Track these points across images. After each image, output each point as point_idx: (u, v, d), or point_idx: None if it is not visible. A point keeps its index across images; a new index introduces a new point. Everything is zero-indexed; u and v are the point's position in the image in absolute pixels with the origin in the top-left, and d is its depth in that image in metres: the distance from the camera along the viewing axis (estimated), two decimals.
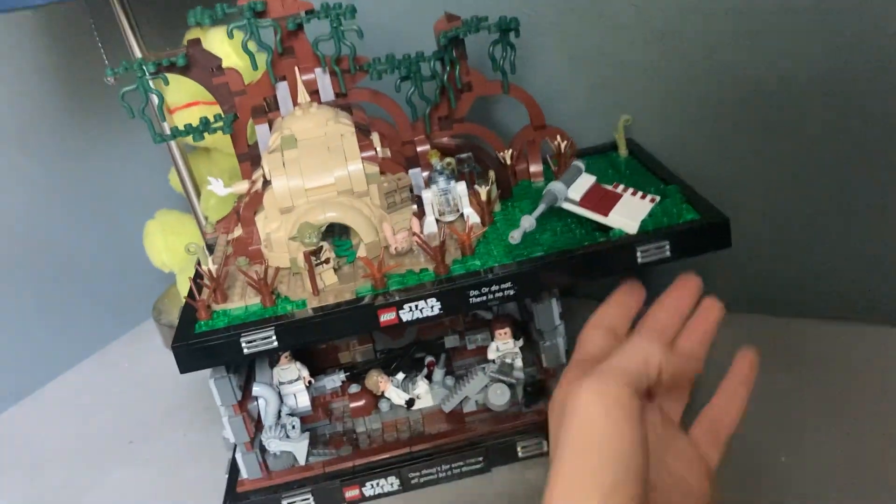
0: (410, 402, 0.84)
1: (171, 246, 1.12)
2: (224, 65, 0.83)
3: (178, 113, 1.03)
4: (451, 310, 0.72)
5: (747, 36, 0.84)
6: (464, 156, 0.84)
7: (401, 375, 0.86)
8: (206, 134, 0.84)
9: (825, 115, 0.83)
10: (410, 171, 0.85)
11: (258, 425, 0.81)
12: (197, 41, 0.82)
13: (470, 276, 0.72)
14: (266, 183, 0.78)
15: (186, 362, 0.71)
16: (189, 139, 0.85)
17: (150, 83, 0.81)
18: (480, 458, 0.79)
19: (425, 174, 0.84)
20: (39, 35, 1.13)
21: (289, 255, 0.76)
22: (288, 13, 0.81)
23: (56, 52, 1.15)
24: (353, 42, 0.81)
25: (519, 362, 0.81)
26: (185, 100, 1.02)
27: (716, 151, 0.91)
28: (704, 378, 0.54)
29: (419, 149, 0.86)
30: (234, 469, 0.82)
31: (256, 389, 0.80)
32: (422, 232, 0.79)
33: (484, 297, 0.72)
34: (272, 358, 0.83)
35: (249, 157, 0.85)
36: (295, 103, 0.83)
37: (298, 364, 0.83)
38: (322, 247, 0.74)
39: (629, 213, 0.74)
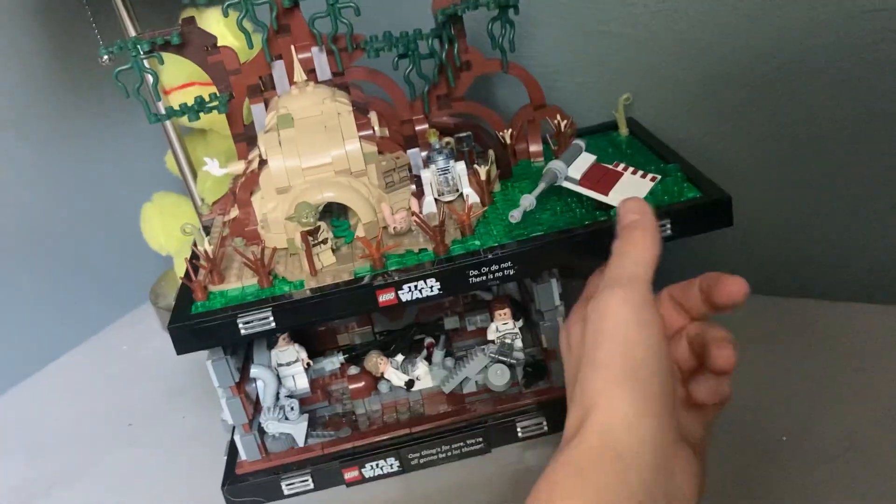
0: (410, 384, 0.84)
1: (169, 229, 1.12)
2: (219, 44, 0.82)
3: (174, 94, 1.01)
4: (450, 290, 0.72)
5: (750, 13, 0.83)
6: (463, 135, 0.83)
7: (400, 357, 0.85)
8: (201, 114, 0.83)
9: (830, 92, 0.82)
10: (409, 151, 0.84)
11: (257, 407, 0.81)
12: (191, 19, 0.81)
13: (469, 255, 0.72)
14: (262, 163, 0.77)
15: (183, 343, 0.71)
16: (185, 120, 0.84)
17: (145, 63, 0.80)
18: (480, 439, 0.79)
19: (424, 154, 0.84)
20: (33, 14, 1.11)
21: (286, 236, 0.76)
22: None
23: (50, 31, 1.13)
24: (349, 20, 0.80)
25: (519, 343, 0.81)
26: (181, 80, 1.00)
27: (717, 130, 0.90)
28: None
29: (418, 128, 0.85)
30: (232, 451, 0.81)
31: (254, 371, 0.80)
32: (421, 212, 0.78)
33: (483, 277, 0.71)
34: (270, 340, 0.83)
35: (245, 137, 0.84)
36: (291, 82, 0.82)
37: (297, 346, 0.82)
38: (319, 227, 0.73)
39: (630, 191, 0.73)
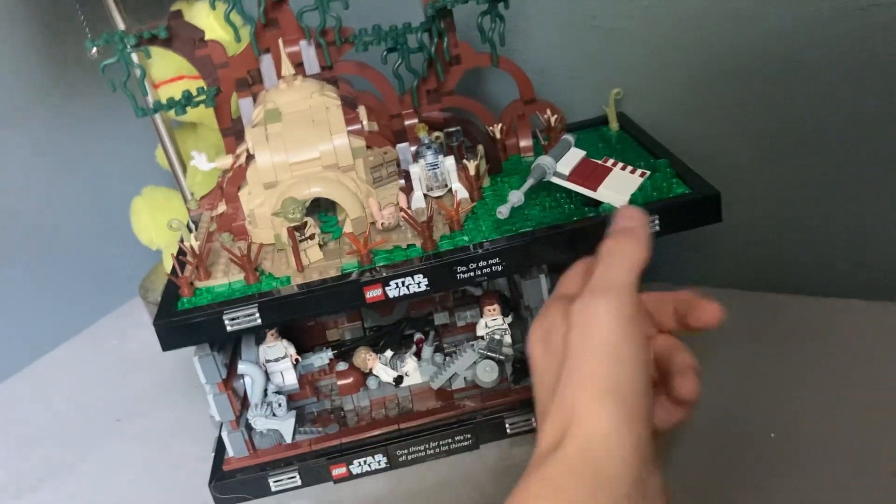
0: (399, 380, 0.84)
1: (159, 223, 1.11)
2: (207, 38, 0.81)
3: (163, 87, 1.01)
4: (438, 286, 0.71)
5: (742, 9, 0.82)
6: (452, 130, 0.83)
7: (389, 353, 0.85)
8: (190, 108, 0.82)
9: (817, 89, 0.82)
10: (398, 146, 0.83)
11: (244, 403, 0.81)
12: (178, 12, 0.80)
13: (458, 251, 0.71)
14: (250, 158, 0.76)
15: (169, 340, 0.71)
16: (172, 113, 0.84)
17: (133, 56, 0.79)
18: (469, 435, 0.79)
19: (413, 148, 0.83)
20: (22, 6, 1.11)
21: (273, 231, 0.75)
22: None
23: (40, 23, 1.12)
24: (338, 13, 0.80)
25: (508, 339, 0.81)
26: (169, 74, 1.00)
27: (707, 126, 0.90)
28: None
29: (407, 122, 0.84)
30: (220, 447, 0.81)
31: (242, 367, 0.79)
32: (409, 207, 0.78)
33: (472, 273, 0.71)
34: (258, 335, 0.82)
35: (233, 132, 0.84)
36: (279, 76, 0.82)
37: (285, 342, 0.82)
38: (307, 222, 0.73)
39: (619, 187, 0.73)
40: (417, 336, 0.88)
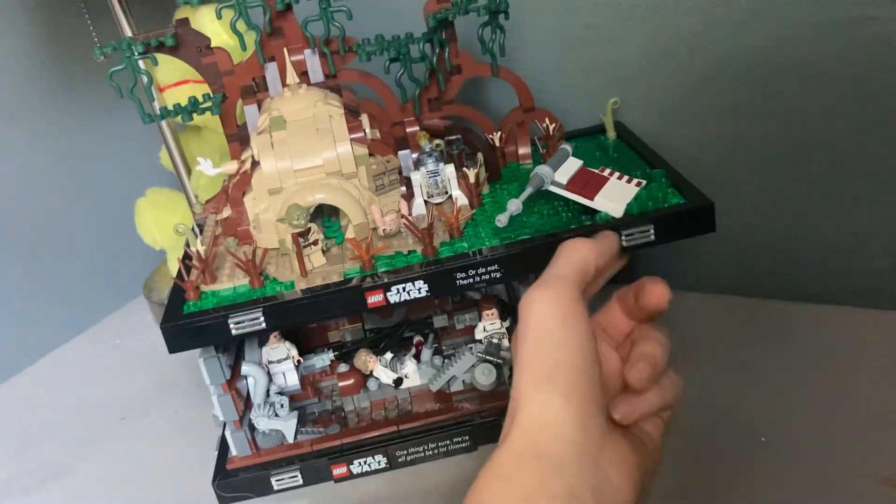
0: (398, 382, 0.85)
1: (162, 224, 1.13)
2: (214, 44, 0.83)
3: (168, 91, 1.02)
4: (438, 292, 0.73)
5: (739, 20, 0.84)
6: (453, 137, 0.84)
7: (389, 355, 0.86)
8: (195, 114, 0.84)
9: (813, 99, 0.84)
10: (400, 153, 0.85)
11: (247, 403, 0.82)
12: (185, 20, 0.82)
13: (457, 258, 0.73)
14: (255, 164, 0.78)
15: (175, 342, 0.72)
16: (178, 119, 0.85)
17: (139, 63, 0.81)
18: (467, 437, 0.80)
19: (414, 156, 0.85)
20: (30, 9, 1.12)
21: (277, 237, 0.77)
22: None
23: (47, 25, 1.14)
24: (342, 23, 0.81)
25: (506, 343, 0.82)
26: (175, 78, 1.01)
27: (704, 135, 0.91)
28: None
29: (408, 130, 0.86)
30: (223, 446, 0.83)
31: (245, 368, 0.81)
32: (410, 213, 0.79)
33: (471, 280, 0.73)
34: (261, 337, 0.84)
35: (238, 138, 0.85)
36: (284, 84, 0.83)
37: (287, 343, 0.83)
38: (310, 228, 0.75)
39: (615, 196, 0.74)
40: (417, 339, 0.90)
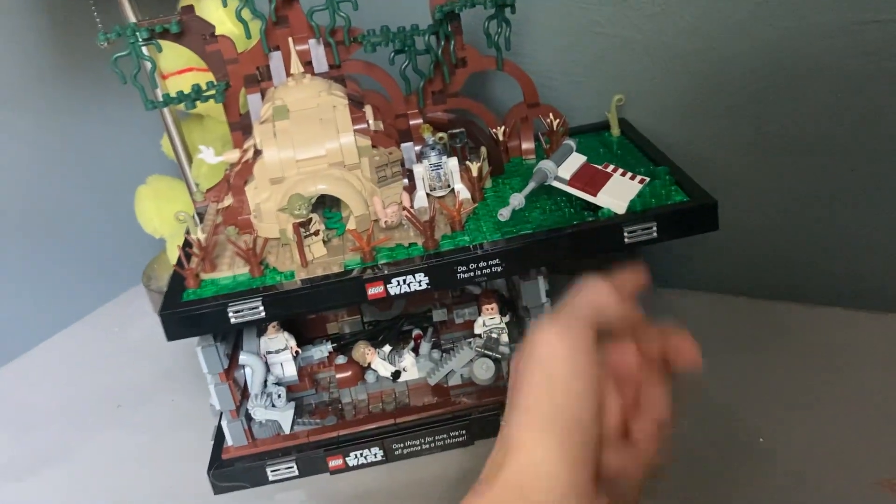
0: (396, 375, 0.85)
1: (163, 212, 1.12)
2: (218, 31, 0.82)
3: (171, 79, 1.02)
4: (438, 285, 0.73)
5: (743, 21, 0.83)
6: (456, 131, 0.84)
7: (387, 348, 0.86)
8: (198, 102, 0.83)
9: (818, 99, 0.83)
10: (403, 145, 0.85)
11: (244, 393, 0.82)
12: (190, 7, 0.82)
13: (458, 251, 0.73)
14: (257, 153, 0.78)
15: (174, 330, 0.72)
16: (181, 106, 0.85)
17: (144, 49, 0.80)
18: (464, 431, 0.80)
19: (417, 148, 0.84)
20: None
21: (278, 226, 0.76)
22: None
23: (50, 10, 1.13)
24: (347, 13, 0.81)
25: (505, 338, 0.82)
26: (178, 66, 1.01)
27: (708, 133, 0.91)
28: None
29: (412, 122, 0.86)
30: (219, 436, 0.83)
31: (243, 358, 0.81)
32: (412, 206, 0.79)
33: (471, 273, 0.72)
34: (260, 327, 0.84)
35: (241, 126, 0.85)
36: (288, 73, 0.83)
37: (286, 334, 0.83)
38: (311, 219, 0.74)
39: (618, 193, 0.74)
40: (416, 332, 0.89)
